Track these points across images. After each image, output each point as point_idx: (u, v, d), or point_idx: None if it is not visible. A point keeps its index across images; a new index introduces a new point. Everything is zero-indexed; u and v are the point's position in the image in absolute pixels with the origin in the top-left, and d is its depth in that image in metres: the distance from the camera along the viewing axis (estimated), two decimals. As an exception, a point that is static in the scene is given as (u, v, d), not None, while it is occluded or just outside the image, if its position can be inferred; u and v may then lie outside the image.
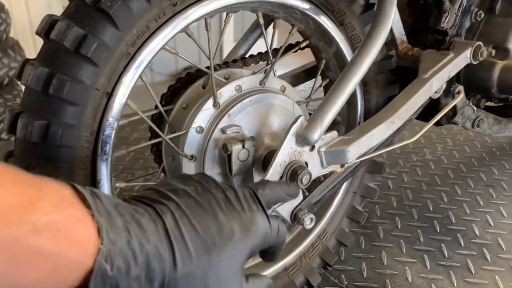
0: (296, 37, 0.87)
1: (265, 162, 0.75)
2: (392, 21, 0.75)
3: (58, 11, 0.60)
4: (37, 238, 0.35)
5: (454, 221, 1.24)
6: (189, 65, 2.52)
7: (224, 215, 0.49)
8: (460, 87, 0.96)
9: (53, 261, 0.37)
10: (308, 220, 0.77)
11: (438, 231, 1.20)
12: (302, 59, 1.10)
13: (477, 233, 1.19)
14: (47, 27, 0.57)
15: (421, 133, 0.82)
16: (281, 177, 0.71)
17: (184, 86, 0.81)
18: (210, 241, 0.47)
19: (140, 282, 0.42)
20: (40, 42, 0.61)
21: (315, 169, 0.73)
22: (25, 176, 0.38)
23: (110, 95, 0.62)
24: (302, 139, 0.70)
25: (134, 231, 0.42)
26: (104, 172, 0.64)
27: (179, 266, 0.44)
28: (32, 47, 2.36)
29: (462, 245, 1.15)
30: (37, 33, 0.59)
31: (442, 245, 1.15)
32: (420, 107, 0.88)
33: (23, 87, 0.59)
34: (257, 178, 0.75)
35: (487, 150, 1.65)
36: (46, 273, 0.37)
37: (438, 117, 0.89)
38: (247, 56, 0.94)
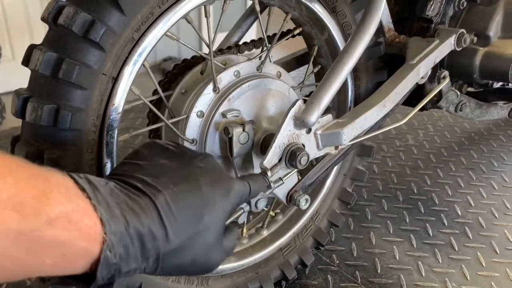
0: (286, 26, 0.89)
1: (263, 145, 0.78)
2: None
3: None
4: (52, 229, 0.38)
5: (437, 202, 1.30)
6: (168, 56, 2.54)
7: (207, 185, 0.53)
8: (446, 72, 1.00)
9: (65, 249, 0.40)
10: (303, 201, 0.80)
11: (423, 212, 1.26)
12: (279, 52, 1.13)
13: (459, 213, 1.25)
14: (55, 13, 0.58)
15: (410, 116, 0.86)
16: (280, 159, 0.73)
17: (181, 72, 0.82)
18: (198, 213, 0.51)
19: (137, 261, 0.46)
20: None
21: (312, 151, 0.76)
22: (34, 168, 0.40)
23: (115, 80, 0.63)
24: (300, 122, 0.72)
25: (130, 218, 0.45)
26: (109, 155, 0.66)
27: (171, 241, 0.48)
28: (7, 38, 2.30)
29: (446, 224, 1.21)
30: (43, 19, 0.60)
31: (427, 225, 1.20)
32: (407, 92, 0.92)
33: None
34: (256, 160, 0.77)
35: (466, 135, 1.71)
36: (58, 259, 0.40)
37: (425, 101, 0.93)
38: (240, 43, 0.96)
